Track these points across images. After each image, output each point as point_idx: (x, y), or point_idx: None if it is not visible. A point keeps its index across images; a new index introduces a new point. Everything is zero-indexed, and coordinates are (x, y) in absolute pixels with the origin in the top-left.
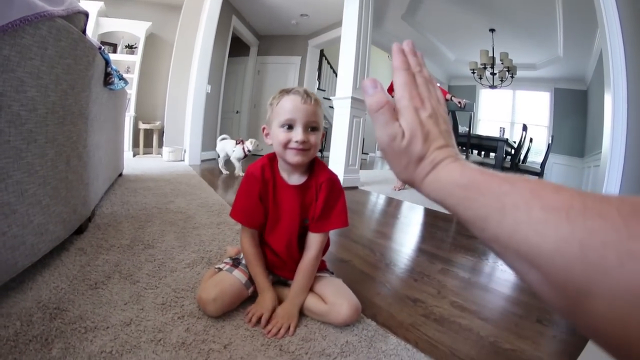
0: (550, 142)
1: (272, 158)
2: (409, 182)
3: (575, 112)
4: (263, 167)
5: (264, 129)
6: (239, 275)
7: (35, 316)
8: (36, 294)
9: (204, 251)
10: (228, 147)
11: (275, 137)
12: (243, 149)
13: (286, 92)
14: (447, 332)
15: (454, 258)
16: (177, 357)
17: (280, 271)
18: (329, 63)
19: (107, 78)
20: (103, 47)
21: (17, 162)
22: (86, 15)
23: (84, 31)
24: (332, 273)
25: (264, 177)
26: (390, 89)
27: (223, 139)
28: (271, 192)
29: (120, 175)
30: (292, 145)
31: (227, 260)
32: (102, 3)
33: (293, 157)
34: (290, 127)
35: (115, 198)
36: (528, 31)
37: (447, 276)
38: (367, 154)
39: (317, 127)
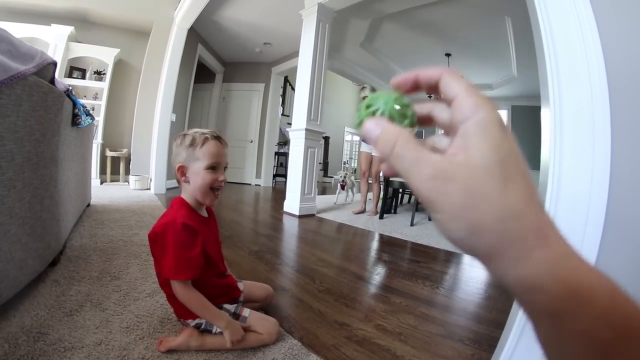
0: None
1: (184, 203)
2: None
3: (531, 127)
4: (189, 214)
5: (180, 167)
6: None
7: (21, 339)
8: (19, 320)
9: None
10: None
11: (202, 178)
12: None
13: (207, 136)
14: (364, 352)
15: (392, 284)
16: None
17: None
18: (293, 89)
19: (75, 119)
20: (71, 88)
21: (0, 207)
22: (54, 64)
23: (52, 79)
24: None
25: (195, 223)
26: None
27: None
28: (201, 232)
29: (88, 205)
30: (216, 185)
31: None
32: (72, 28)
33: (213, 197)
34: (213, 168)
35: (84, 230)
36: (483, 54)
37: (379, 301)
38: (332, 177)
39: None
